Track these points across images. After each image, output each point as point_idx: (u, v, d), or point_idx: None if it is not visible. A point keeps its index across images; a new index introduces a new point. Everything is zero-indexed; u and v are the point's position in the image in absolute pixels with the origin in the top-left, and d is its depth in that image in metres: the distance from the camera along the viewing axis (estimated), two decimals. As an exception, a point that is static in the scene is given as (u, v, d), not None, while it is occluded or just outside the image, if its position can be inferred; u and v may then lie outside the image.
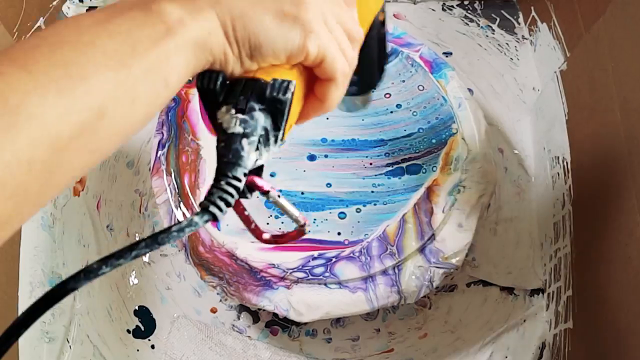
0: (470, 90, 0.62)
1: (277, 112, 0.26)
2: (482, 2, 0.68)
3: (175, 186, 0.50)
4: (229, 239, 0.48)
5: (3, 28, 0.49)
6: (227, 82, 0.27)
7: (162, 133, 0.52)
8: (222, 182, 0.26)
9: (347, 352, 0.54)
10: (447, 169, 0.51)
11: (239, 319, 0.55)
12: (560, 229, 0.53)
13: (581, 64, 0.50)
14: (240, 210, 0.32)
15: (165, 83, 0.24)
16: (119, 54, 0.22)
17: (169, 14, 0.24)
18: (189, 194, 0.50)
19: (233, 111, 0.26)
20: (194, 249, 0.48)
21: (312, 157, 0.52)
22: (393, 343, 0.54)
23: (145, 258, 0.57)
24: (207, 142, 0.52)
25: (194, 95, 0.54)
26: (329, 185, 0.51)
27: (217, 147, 0.26)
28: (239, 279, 0.47)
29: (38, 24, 0.60)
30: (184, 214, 0.49)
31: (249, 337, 0.54)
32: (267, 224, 0.49)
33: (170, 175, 0.51)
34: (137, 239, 0.57)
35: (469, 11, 0.68)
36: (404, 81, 0.54)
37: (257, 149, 0.26)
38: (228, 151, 0.25)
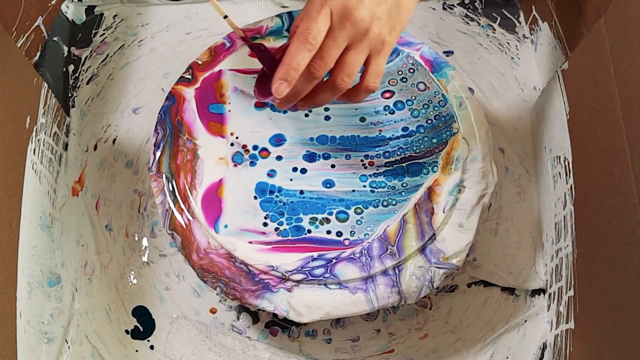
0: (471, 89, 0.62)
1: None
2: (483, 1, 0.68)
3: (171, 187, 0.50)
4: (227, 239, 0.48)
5: (1, 27, 0.49)
6: None
7: (159, 132, 0.52)
8: None
9: (347, 352, 0.54)
10: (447, 168, 0.50)
11: (238, 319, 0.54)
12: (561, 229, 0.52)
13: (582, 63, 0.50)
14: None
15: None
16: None
17: None
18: (188, 194, 0.49)
19: None
20: (187, 257, 0.48)
21: (311, 157, 0.52)
22: (393, 344, 0.54)
23: (144, 258, 0.57)
24: (205, 142, 0.52)
25: (190, 93, 0.53)
26: (329, 185, 0.51)
27: None
28: (236, 285, 0.47)
29: (37, 23, 0.59)
30: (182, 212, 0.49)
31: (248, 337, 0.53)
32: (265, 225, 0.49)
33: (167, 176, 0.50)
34: (136, 239, 0.57)
35: (469, 10, 0.68)
36: (404, 80, 0.54)
37: None
38: None
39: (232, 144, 0.52)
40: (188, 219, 0.49)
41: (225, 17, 0.43)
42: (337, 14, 0.40)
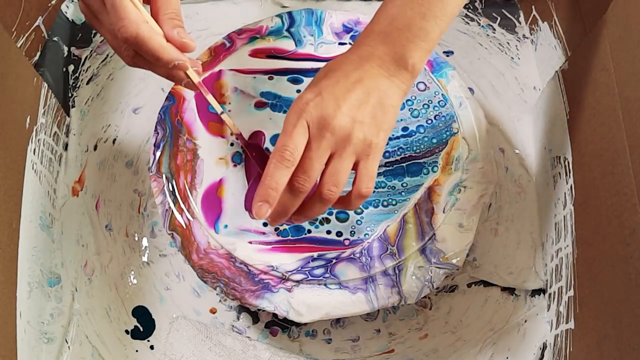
0: (471, 89, 0.62)
1: None
2: (483, 1, 0.68)
3: (171, 187, 0.50)
4: (227, 239, 0.48)
5: (1, 27, 0.49)
6: None
7: (159, 132, 0.52)
8: None
9: (347, 352, 0.54)
10: (447, 168, 0.50)
11: (238, 319, 0.54)
12: (561, 229, 0.52)
13: (582, 63, 0.50)
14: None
15: None
16: None
17: None
18: (188, 194, 0.49)
19: None
20: (187, 257, 0.48)
21: (311, 157, 0.52)
22: (393, 344, 0.54)
23: (144, 258, 0.57)
24: (205, 142, 0.52)
25: (190, 93, 0.53)
26: (328, 185, 0.50)
27: None
28: (236, 285, 0.47)
29: (37, 24, 0.59)
30: (182, 212, 0.49)
31: (248, 337, 0.53)
32: (265, 225, 0.49)
33: (167, 176, 0.50)
34: (136, 239, 0.57)
35: (469, 10, 0.68)
36: (404, 80, 0.54)
37: None
38: None
39: (232, 144, 0.52)
40: (188, 219, 0.49)
41: (222, 113, 0.42)
42: (314, 125, 0.38)
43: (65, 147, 0.61)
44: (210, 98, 0.42)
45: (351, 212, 0.49)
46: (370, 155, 0.39)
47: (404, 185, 0.50)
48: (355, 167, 0.40)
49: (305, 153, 0.38)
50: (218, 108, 0.42)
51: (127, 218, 0.58)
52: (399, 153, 0.52)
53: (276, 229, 0.49)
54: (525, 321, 0.55)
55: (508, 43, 0.66)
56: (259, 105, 0.53)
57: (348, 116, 0.38)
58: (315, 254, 0.48)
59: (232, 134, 0.50)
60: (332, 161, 0.39)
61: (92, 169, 0.60)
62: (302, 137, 0.38)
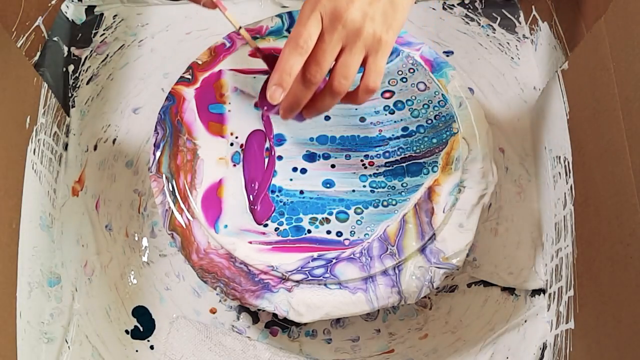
0: (471, 89, 0.62)
1: None
2: (483, 1, 0.68)
3: (171, 187, 0.50)
4: (227, 239, 0.48)
5: (1, 27, 0.49)
6: None
7: (159, 132, 0.52)
8: None
9: (347, 352, 0.54)
10: (447, 168, 0.50)
11: (238, 319, 0.54)
12: (561, 229, 0.52)
13: (582, 63, 0.50)
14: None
15: None
16: None
17: None
18: (188, 194, 0.49)
19: None
20: (187, 257, 0.48)
21: (311, 157, 0.52)
22: (393, 344, 0.54)
23: (144, 258, 0.57)
24: (205, 142, 0.52)
25: (190, 93, 0.53)
26: (328, 185, 0.51)
27: None
28: (236, 285, 0.47)
29: (37, 23, 0.59)
30: (182, 212, 0.49)
31: (248, 337, 0.53)
32: (265, 225, 0.49)
33: (167, 176, 0.50)
34: (136, 239, 0.57)
35: (469, 10, 0.68)
36: (404, 80, 0.54)
37: None
38: None
39: (231, 144, 0.52)
40: (188, 219, 0.49)
41: (240, 28, 0.45)
42: (327, 17, 0.40)
43: (65, 147, 0.61)
44: (228, 15, 0.44)
45: (351, 212, 0.49)
46: (380, 51, 0.41)
47: (404, 185, 0.50)
48: (364, 63, 0.42)
49: (317, 44, 0.40)
50: (236, 24, 0.44)
51: (127, 218, 0.58)
52: (399, 153, 0.52)
53: (276, 229, 0.49)
54: (525, 321, 0.55)
55: (508, 43, 0.66)
56: (259, 105, 0.53)
57: (360, 10, 0.40)
58: (315, 254, 0.48)
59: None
60: (343, 55, 0.41)
61: (92, 169, 0.60)
62: (315, 27, 0.39)
